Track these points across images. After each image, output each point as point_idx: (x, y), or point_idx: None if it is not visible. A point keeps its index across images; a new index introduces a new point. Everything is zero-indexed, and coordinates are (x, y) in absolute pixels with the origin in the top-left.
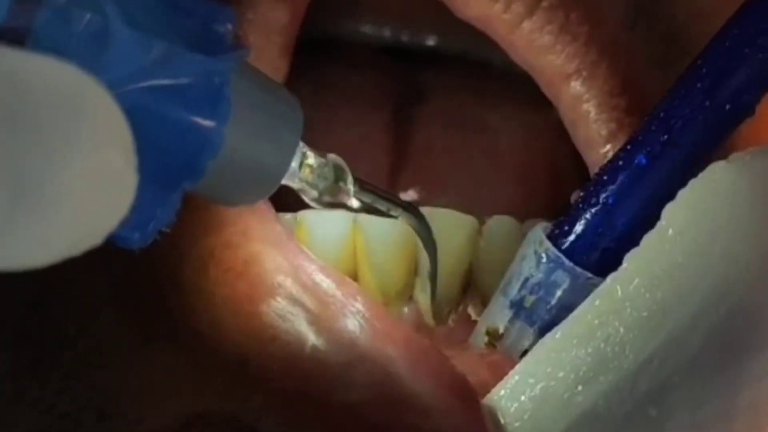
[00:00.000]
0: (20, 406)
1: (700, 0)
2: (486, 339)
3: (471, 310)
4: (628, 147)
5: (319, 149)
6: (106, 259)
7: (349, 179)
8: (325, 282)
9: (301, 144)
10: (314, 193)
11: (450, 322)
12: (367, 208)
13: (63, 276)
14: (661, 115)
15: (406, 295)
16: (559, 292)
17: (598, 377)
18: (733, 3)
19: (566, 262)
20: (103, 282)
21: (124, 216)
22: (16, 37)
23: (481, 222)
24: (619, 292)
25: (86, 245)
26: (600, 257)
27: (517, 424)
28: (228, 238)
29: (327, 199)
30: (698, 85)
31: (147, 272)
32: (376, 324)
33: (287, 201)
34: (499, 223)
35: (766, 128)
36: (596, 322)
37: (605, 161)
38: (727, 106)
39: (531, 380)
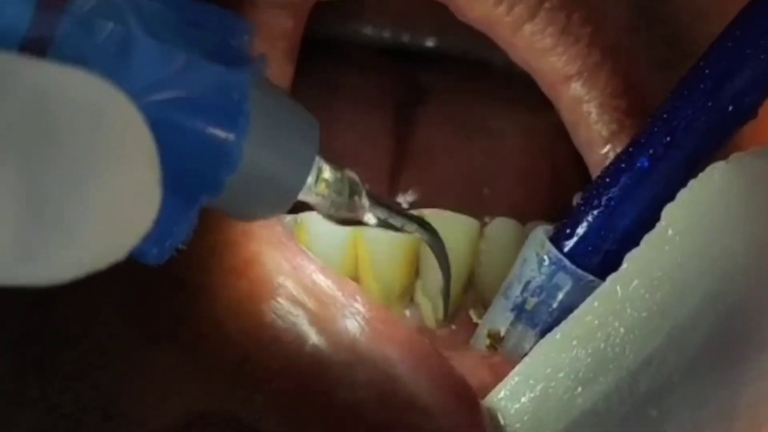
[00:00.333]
0: (22, 406)
1: (703, 2)
2: (487, 342)
3: (472, 313)
4: (630, 149)
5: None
6: None
7: (364, 194)
8: (326, 282)
9: (318, 158)
10: (329, 208)
11: (452, 324)
12: (381, 224)
13: None
14: (664, 116)
15: (407, 296)
16: (561, 295)
17: (598, 378)
18: (736, 5)
19: (568, 264)
20: (104, 282)
21: (148, 230)
22: (38, 46)
23: (483, 224)
24: (619, 293)
25: (110, 260)
26: (602, 260)
27: (517, 425)
28: (229, 239)
29: (342, 214)
30: (701, 86)
31: (148, 273)
32: (376, 324)
33: None
34: (501, 226)
35: None
36: (596, 322)
37: (606, 162)
38: (730, 108)
39: (531, 381)
